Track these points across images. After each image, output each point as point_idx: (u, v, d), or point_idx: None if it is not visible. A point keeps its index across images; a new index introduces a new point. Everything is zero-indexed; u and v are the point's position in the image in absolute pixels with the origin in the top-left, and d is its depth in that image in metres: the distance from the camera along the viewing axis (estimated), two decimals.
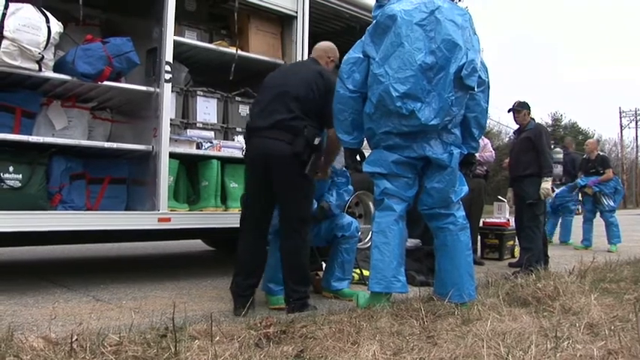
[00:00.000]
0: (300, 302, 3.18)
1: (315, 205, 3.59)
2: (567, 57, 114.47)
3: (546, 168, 5.29)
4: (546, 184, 5.24)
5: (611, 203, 8.33)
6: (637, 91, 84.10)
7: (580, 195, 8.78)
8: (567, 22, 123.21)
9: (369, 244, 4.39)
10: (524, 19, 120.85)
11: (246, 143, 3.41)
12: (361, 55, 3.24)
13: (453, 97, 3.06)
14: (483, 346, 2.15)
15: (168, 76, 4.00)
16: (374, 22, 3.25)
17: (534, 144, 5.36)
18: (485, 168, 6.61)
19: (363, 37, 3.30)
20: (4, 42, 3.35)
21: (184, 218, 4.21)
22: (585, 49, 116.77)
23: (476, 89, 3.16)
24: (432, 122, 3.06)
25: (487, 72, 3.35)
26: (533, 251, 5.13)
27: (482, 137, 5.78)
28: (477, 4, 35.32)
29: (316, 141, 3.15)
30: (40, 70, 3.56)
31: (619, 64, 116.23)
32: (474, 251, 5.44)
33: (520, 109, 5.59)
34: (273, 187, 3.22)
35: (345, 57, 3.34)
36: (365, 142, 3.43)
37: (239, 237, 3.36)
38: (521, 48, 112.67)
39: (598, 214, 8.51)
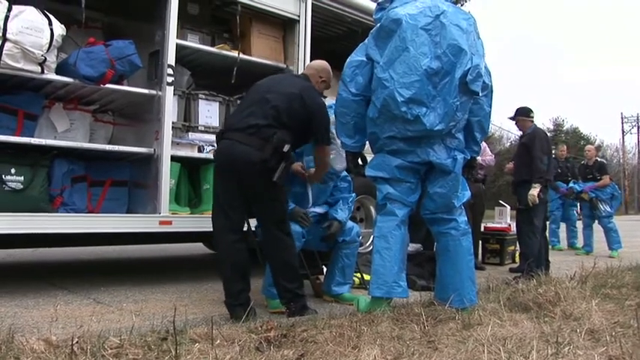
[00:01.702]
0: (299, 305, 3.17)
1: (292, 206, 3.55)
2: (567, 57, 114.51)
3: (536, 174, 5.23)
4: (534, 191, 5.18)
5: (608, 209, 8.36)
6: (638, 92, 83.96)
7: (578, 201, 8.80)
8: (567, 22, 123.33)
9: (370, 248, 4.38)
10: (524, 19, 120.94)
11: (216, 144, 3.36)
12: (364, 59, 3.24)
13: (458, 103, 3.06)
14: (484, 351, 2.14)
15: (170, 79, 4.00)
16: (378, 25, 3.24)
17: (528, 149, 5.37)
18: (483, 172, 6.60)
19: (367, 40, 3.30)
20: (7, 44, 3.36)
21: (185, 221, 4.20)
22: (585, 50, 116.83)
23: (480, 94, 3.16)
24: (437, 127, 3.06)
25: (490, 76, 3.36)
26: (528, 256, 5.11)
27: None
28: (477, 4, 35.12)
29: (285, 148, 3.09)
30: (42, 72, 3.57)
31: (619, 65, 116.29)
32: (475, 256, 5.43)
33: (514, 116, 5.62)
34: (243, 190, 3.18)
35: (347, 60, 3.34)
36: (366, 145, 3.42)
37: (216, 243, 3.31)
38: (522, 48, 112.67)
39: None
